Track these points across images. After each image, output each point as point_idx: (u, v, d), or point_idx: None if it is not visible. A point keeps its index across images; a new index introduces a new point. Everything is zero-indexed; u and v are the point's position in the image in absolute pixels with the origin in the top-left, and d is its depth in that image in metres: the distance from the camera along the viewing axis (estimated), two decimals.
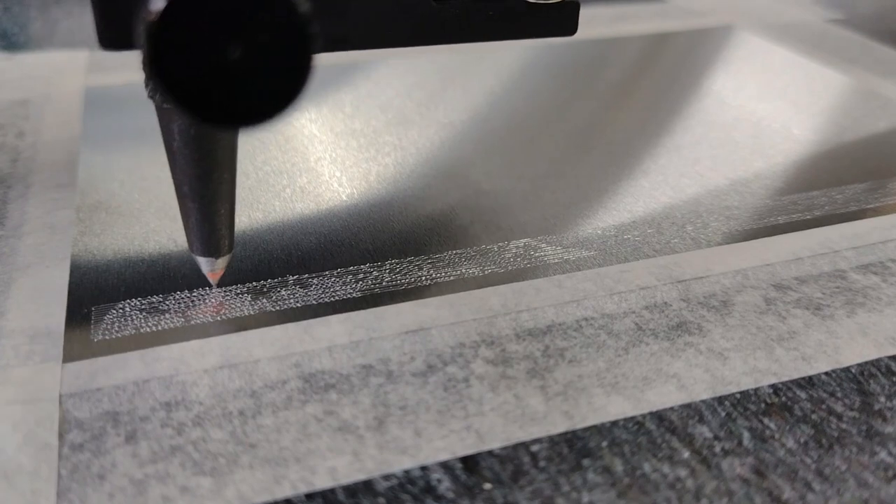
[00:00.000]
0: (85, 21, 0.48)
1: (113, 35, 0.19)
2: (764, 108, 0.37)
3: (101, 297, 0.23)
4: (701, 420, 0.20)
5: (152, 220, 0.27)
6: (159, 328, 0.22)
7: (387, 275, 0.25)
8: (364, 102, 0.37)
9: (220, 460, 0.18)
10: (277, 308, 0.23)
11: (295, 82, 0.16)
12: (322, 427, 0.19)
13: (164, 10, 0.15)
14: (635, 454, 0.19)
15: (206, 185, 0.21)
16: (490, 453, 0.19)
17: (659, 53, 0.45)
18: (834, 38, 0.46)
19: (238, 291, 0.24)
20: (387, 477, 0.18)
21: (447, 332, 0.23)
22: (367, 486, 0.18)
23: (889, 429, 0.20)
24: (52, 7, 0.50)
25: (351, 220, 0.28)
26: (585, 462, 0.19)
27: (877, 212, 0.29)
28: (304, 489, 0.18)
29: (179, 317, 0.23)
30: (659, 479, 0.19)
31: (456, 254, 0.26)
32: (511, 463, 0.19)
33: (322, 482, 0.18)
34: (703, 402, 0.21)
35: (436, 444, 0.19)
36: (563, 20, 0.23)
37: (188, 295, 0.24)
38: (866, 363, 0.22)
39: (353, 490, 0.18)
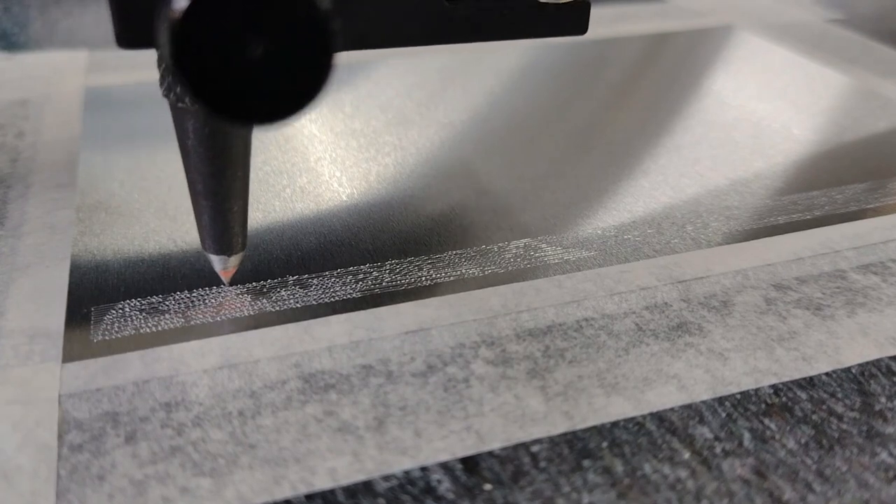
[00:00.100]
0: (85, 21, 0.48)
1: (130, 34, 0.19)
2: (764, 108, 0.37)
3: (101, 297, 0.23)
4: (701, 421, 0.20)
5: (152, 220, 0.27)
6: (159, 328, 0.22)
7: (387, 275, 0.25)
8: (364, 102, 0.37)
9: (219, 461, 0.18)
10: (277, 308, 0.23)
11: (316, 80, 0.16)
12: (322, 427, 0.19)
13: (188, 9, 0.15)
14: (636, 455, 0.19)
15: (219, 183, 0.21)
16: (490, 454, 0.19)
17: (659, 53, 0.45)
18: (834, 38, 0.46)
19: (238, 292, 0.24)
20: (387, 478, 0.18)
21: (447, 332, 0.23)
22: (366, 487, 0.18)
23: (890, 429, 0.20)
24: (52, 7, 0.50)
25: (351, 220, 0.28)
26: (586, 463, 0.19)
27: (877, 212, 0.29)
28: (303, 490, 0.18)
29: (179, 317, 0.23)
30: (659, 479, 0.19)
31: (456, 254, 0.26)
32: (511, 463, 0.19)
33: (322, 483, 0.18)
34: (704, 402, 0.21)
35: (436, 445, 0.19)
36: (573, 20, 0.23)
37: (188, 295, 0.24)
38: (867, 363, 0.22)
39: (352, 491, 0.18)
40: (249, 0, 0.15)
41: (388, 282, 0.24)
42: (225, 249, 0.23)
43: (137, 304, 0.23)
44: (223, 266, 0.23)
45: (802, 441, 0.20)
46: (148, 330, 0.22)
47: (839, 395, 0.21)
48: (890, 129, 0.36)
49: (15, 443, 0.19)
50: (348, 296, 0.24)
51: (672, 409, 0.20)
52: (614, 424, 0.20)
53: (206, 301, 0.23)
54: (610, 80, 0.41)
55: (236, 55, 0.16)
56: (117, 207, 0.28)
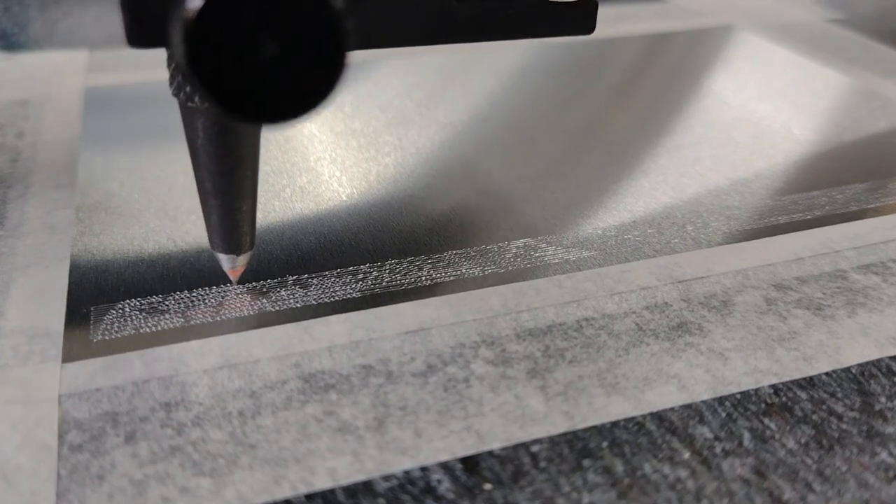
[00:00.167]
0: (85, 21, 0.48)
1: (141, 33, 0.19)
2: (764, 108, 0.37)
3: (101, 297, 0.23)
4: (701, 420, 0.20)
5: (152, 220, 0.27)
6: (159, 328, 0.22)
7: (387, 275, 0.25)
8: (364, 102, 0.37)
9: (219, 461, 0.18)
10: (277, 308, 0.23)
11: (328, 79, 0.16)
12: (322, 427, 0.19)
13: (202, 9, 0.15)
14: (636, 455, 0.19)
15: (228, 182, 0.21)
16: (490, 454, 0.19)
17: (659, 53, 0.45)
18: (834, 38, 0.46)
19: (238, 292, 0.24)
20: (387, 478, 0.18)
21: (447, 332, 0.22)
22: (366, 487, 0.18)
23: (890, 429, 0.20)
24: (52, 7, 0.50)
25: (351, 220, 0.28)
26: (586, 462, 0.19)
27: (877, 212, 0.29)
28: (303, 490, 0.18)
29: (179, 317, 0.23)
30: (659, 479, 0.19)
31: (456, 254, 0.26)
32: (511, 463, 0.19)
33: (322, 483, 0.18)
34: (704, 402, 0.21)
35: (436, 445, 0.19)
36: (580, 19, 0.23)
37: (188, 295, 0.24)
38: (867, 363, 0.22)
39: (352, 491, 0.18)
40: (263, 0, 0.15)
41: (388, 282, 0.24)
42: (233, 248, 0.23)
43: (137, 303, 0.23)
44: (231, 265, 0.23)
45: (802, 441, 0.20)
46: (148, 330, 0.22)
47: (839, 395, 0.21)
48: (890, 129, 0.36)
49: (15, 443, 0.19)
50: (348, 296, 0.24)
51: (672, 409, 0.20)
52: (614, 424, 0.20)
53: (206, 301, 0.23)
54: (610, 80, 0.41)
55: (250, 54, 0.16)
56: (117, 207, 0.28)
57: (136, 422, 0.19)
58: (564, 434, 0.20)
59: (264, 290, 0.24)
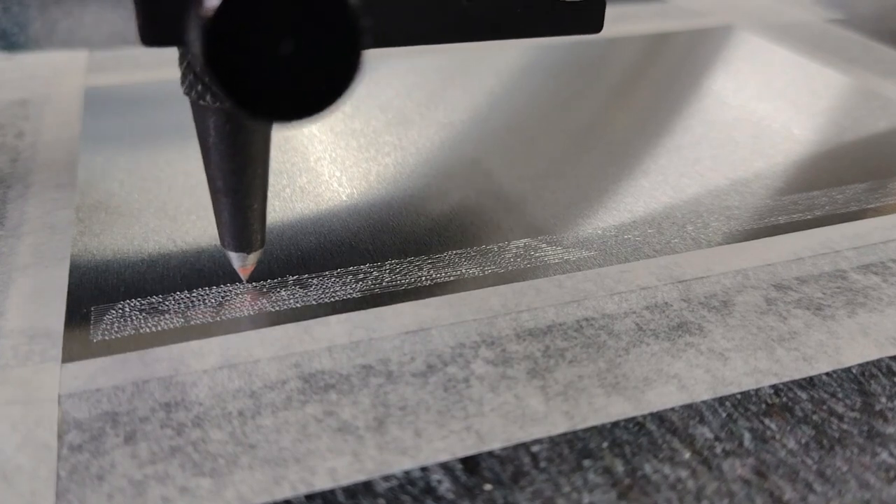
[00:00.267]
0: (85, 21, 0.48)
1: (154, 32, 0.19)
2: (764, 108, 0.37)
3: (101, 297, 0.23)
4: (702, 421, 0.20)
5: (152, 220, 0.27)
6: (159, 328, 0.22)
7: (387, 275, 0.25)
8: (364, 102, 0.37)
9: (219, 461, 0.18)
10: (277, 308, 0.23)
11: (345, 77, 0.17)
12: (322, 427, 0.19)
13: (220, 7, 0.15)
14: (636, 455, 0.19)
15: (239, 181, 0.21)
16: (490, 454, 0.19)
17: (659, 53, 0.45)
18: (834, 38, 0.46)
19: (238, 291, 0.24)
20: (387, 478, 0.18)
21: (447, 332, 0.22)
22: (366, 487, 0.18)
23: (890, 429, 0.20)
24: (52, 7, 0.50)
25: (351, 220, 0.28)
26: (586, 463, 0.19)
27: (877, 212, 0.29)
28: (303, 490, 0.18)
29: (179, 317, 0.23)
30: (660, 479, 0.19)
31: (456, 254, 0.26)
32: (511, 464, 0.19)
33: (322, 483, 0.18)
34: (704, 402, 0.21)
35: (436, 445, 0.19)
36: (588, 18, 0.23)
37: (188, 295, 0.24)
38: (867, 363, 0.22)
39: (352, 491, 0.18)
40: None
41: (388, 282, 0.24)
42: (244, 247, 0.23)
43: (137, 304, 0.23)
44: (242, 263, 0.23)
45: (803, 441, 0.20)
46: (148, 330, 0.22)
47: (840, 396, 0.21)
48: (890, 129, 0.36)
49: (15, 443, 0.19)
50: (348, 296, 0.24)
51: (672, 409, 0.20)
52: (615, 424, 0.20)
53: (206, 301, 0.23)
54: (610, 80, 0.41)
55: (267, 52, 0.16)
56: (117, 207, 0.28)
57: (136, 422, 0.19)
58: (564, 434, 0.20)
59: (264, 289, 0.24)
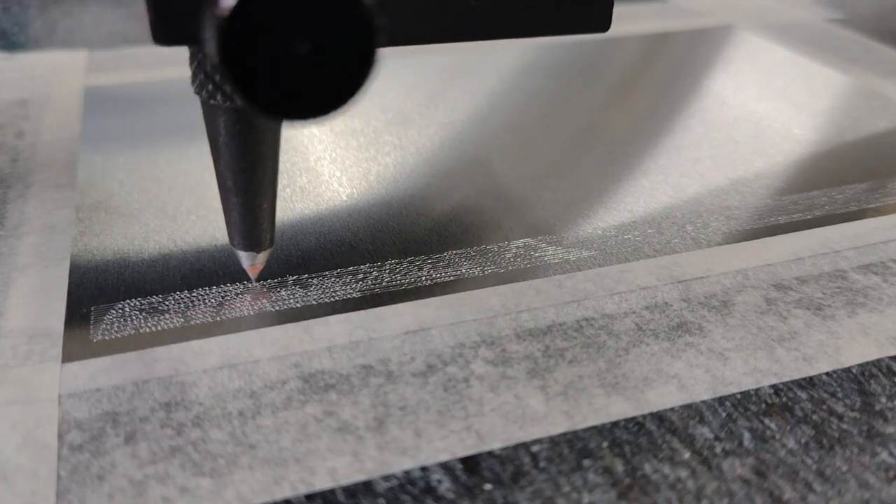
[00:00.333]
0: (85, 21, 0.48)
1: (167, 30, 0.19)
2: (764, 107, 0.37)
3: (101, 297, 0.23)
4: (701, 420, 0.20)
5: (152, 220, 0.27)
6: (159, 328, 0.22)
7: (387, 275, 0.25)
8: (364, 102, 0.37)
9: (219, 461, 0.18)
10: (277, 308, 0.23)
11: (359, 76, 0.17)
12: (322, 427, 0.19)
13: (236, 6, 0.15)
14: (636, 455, 0.19)
15: (250, 180, 0.22)
16: (490, 454, 0.19)
17: (659, 53, 0.45)
18: (834, 38, 0.46)
19: (237, 291, 0.24)
20: (387, 478, 0.18)
21: (447, 332, 0.22)
22: (366, 487, 0.18)
23: (890, 429, 0.20)
24: (52, 7, 0.50)
25: (351, 220, 0.28)
26: (586, 462, 0.19)
27: (877, 212, 0.29)
28: (303, 490, 0.18)
29: (179, 317, 0.23)
30: (660, 479, 0.19)
31: (456, 254, 0.26)
32: (511, 463, 0.19)
33: (322, 483, 0.18)
34: (704, 402, 0.21)
35: (436, 445, 0.19)
36: (596, 17, 0.23)
37: (188, 295, 0.24)
38: (867, 363, 0.22)
39: (352, 491, 0.18)
40: None
41: (388, 282, 0.24)
42: (253, 246, 0.23)
43: (137, 303, 0.23)
44: (251, 262, 0.23)
45: (803, 441, 0.20)
46: (148, 330, 0.22)
47: (839, 395, 0.21)
48: (890, 129, 0.36)
49: (15, 443, 0.19)
50: (348, 296, 0.24)
51: (672, 409, 0.20)
52: (614, 424, 0.20)
53: (206, 301, 0.23)
54: (610, 80, 0.41)
55: (282, 51, 0.16)
56: (117, 207, 0.28)
57: (136, 422, 0.19)
58: (564, 434, 0.20)
59: (264, 290, 0.24)
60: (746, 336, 0.23)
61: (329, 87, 0.17)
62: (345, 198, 0.29)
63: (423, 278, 0.25)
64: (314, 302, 0.23)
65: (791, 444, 0.20)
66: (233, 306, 0.23)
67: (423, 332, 0.22)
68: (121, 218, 0.27)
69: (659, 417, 0.20)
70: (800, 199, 0.30)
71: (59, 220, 0.27)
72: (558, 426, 0.20)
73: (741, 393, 0.21)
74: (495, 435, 0.19)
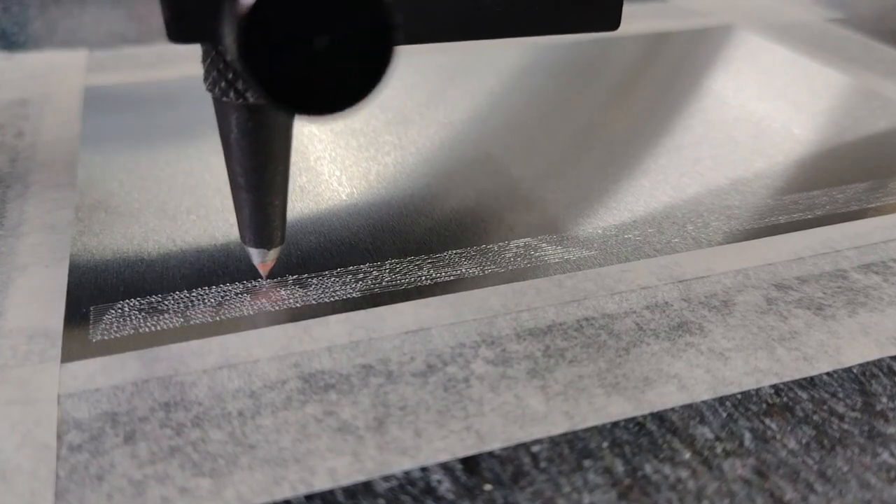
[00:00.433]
0: (84, 21, 0.48)
1: (181, 28, 0.19)
2: (764, 107, 0.37)
3: (100, 296, 0.23)
4: (702, 421, 0.20)
5: (151, 220, 0.27)
6: (158, 328, 0.22)
7: (387, 275, 0.25)
8: None
9: (219, 461, 0.18)
10: (275, 308, 0.23)
11: (377, 72, 0.17)
12: (321, 427, 0.19)
13: (256, 3, 0.15)
14: (636, 455, 0.19)
15: (261, 177, 0.22)
16: (490, 454, 0.19)
17: (659, 53, 0.45)
18: (834, 38, 0.46)
19: (237, 291, 0.24)
20: (387, 478, 0.18)
21: (447, 332, 0.22)
22: (366, 488, 0.18)
23: (891, 429, 0.20)
24: (52, 7, 0.50)
25: (351, 220, 0.28)
26: (586, 463, 0.19)
27: (878, 211, 0.29)
28: (303, 490, 0.18)
29: (178, 317, 0.23)
30: (660, 480, 0.19)
31: (456, 254, 0.26)
32: (511, 464, 0.19)
33: (321, 483, 0.18)
34: (705, 402, 0.21)
35: (436, 445, 0.19)
36: (605, 15, 0.23)
37: (187, 295, 0.23)
38: (868, 363, 0.22)
39: (352, 491, 0.18)
40: None
41: (387, 281, 0.24)
42: (265, 243, 0.23)
43: (136, 303, 0.23)
44: (262, 259, 0.23)
45: (804, 441, 0.20)
46: (147, 329, 0.22)
47: (840, 395, 0.21)
48: (890, 129, 0.36)
49: (14, 443, 0.19)
50: (348, 295, 0.24)
51: (673, 409, 0.20)
52: (615, 424, 0.20)
53: (206, 301, 0.23)
54: (610, 80, 0.41)
55: (301, 47, 0.16)
56: (116, 207, 0.28)
57: (136, 422, 0.19)
58: (565, 434, 0.20)
59: (264, 289, 0.24)
60: (747, 336, 0.23)
61: (347, 83, 0.17)
62: (345, 197, 0.29)
63: (423, 278, 0.25)
64: (314, 302, 0.23)
65: (792, 444, 0.20)
66: (245, 303, 0.23)
67: (423, 331, 0.22)
68: (120, 218, 0.27)
69: (659, 417, 0.20)
70: (800, 199, 0.30)
71: (59, 220, 0.27)
72: (558, 426, 0.20)
73: (742, 393, 0.21)
74: (495, 435, 0.19)
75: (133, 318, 0.23)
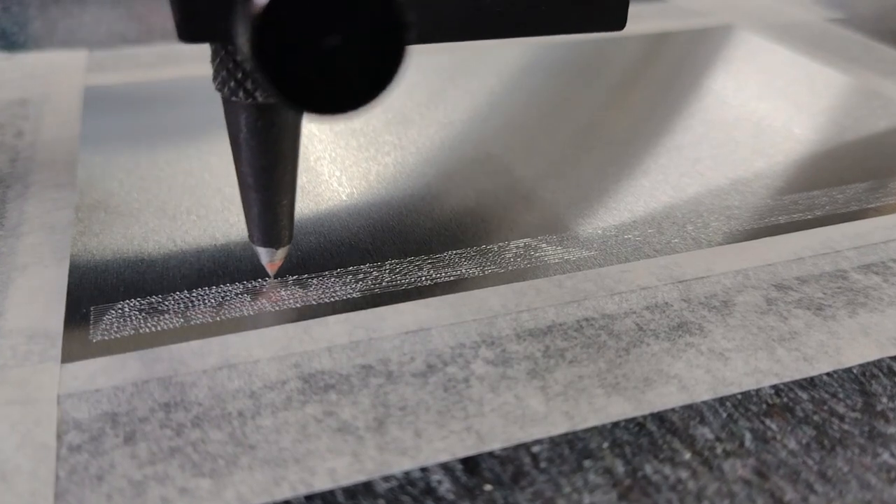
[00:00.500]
0: (84, 21, 0.48)
1: (192, 28, 0.19)
2: (765, 107, 0.37)
3: (100, 297, 0.23)
4: (702, 421, 0.20)
5: (151, 220, 0.27)
6: (158, 328, 0.22)
7: (387, 275, 0.25)
8: None
9: (219, 461, 0.18)
10: (277, 308, 0.23)
11: (389, 71, 0.17)
12: (321, 428, 0.19)
13: (270, 3, 0.15)
14: (636, 455, 0.19)
15: (270, 177, 0.22)
16: (490, 454, 0.19)
17: (659, 53, 0.45)
18: (834, 38, 0.46)
19: (237, 291, 0.24)
20: (387, 478, 0.18)
21: (447, 332, 0.22)
22: (366, 488, 0.18)
23: (891, 430, 0.20)
24: (52, 7, 0.50)
25: (351, 220, 0.28)
26: (586, 463, 0.19)
27: (878, 211, 0.29)
28: (303, 490, 0.18)
29: (178, 317, 0.23)
30: (660, 480, 0.19)
31: (456, 254, 0.26)
32: (511, 464, 0.19)
33: (321, 483, 0.18)
34: (705, 402, 0.21)
35: (436, 445, 0.19)
36: (611, 15, 0.23)
37: (187, 295, 0.23)
38: (868, 364, 0.22)
39: (352, 491, 0.18)
40: None
41: (387, 282, 0.24)
42: (273, 242, 0.23)
43: (137, 303, 0.23)
44: (270, 258, 0.23)
45: (804, 441, 0.20)
46: (147, 330, 0.22)
47: (840, 396, 0.21)
48: (891, 129, 0.36)
49: (14, 443, 0.19)
50: (348, 296, 0.24)
51: (673, 410, 0.20)
52: (615, 425, 0.20)
53: (206, 301, 0.23)
54: (610, 80, 0.41)
55: (314, 47, 0.16)
56: (116, 207, 0.28)
57: (136, 422, 0.19)
58: (565, 434, 0.20)
59: (264, 289, 0.24)
60: (747, 336, 0.23)
61: (359, 82, 0.17)
62: (345, 197, 0.29)
63: (423, 278, 0.25)
64: (314, 302, 0.23)
65: (792, 444, 0.20)
66: (245, 303, 0.23)
67: (423, 332, 0.22)
68: (120, 218, 0.27)
69: (659, 418, 0.20)
70: (800, 199, 0.30)
71: (59, 220, 0.27)
72: (558, 427, 0.20)
73: (742, 393, 0.21)
74: (495, 435, 0.19)
75: (133, 318, 0.23)
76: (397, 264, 0.25)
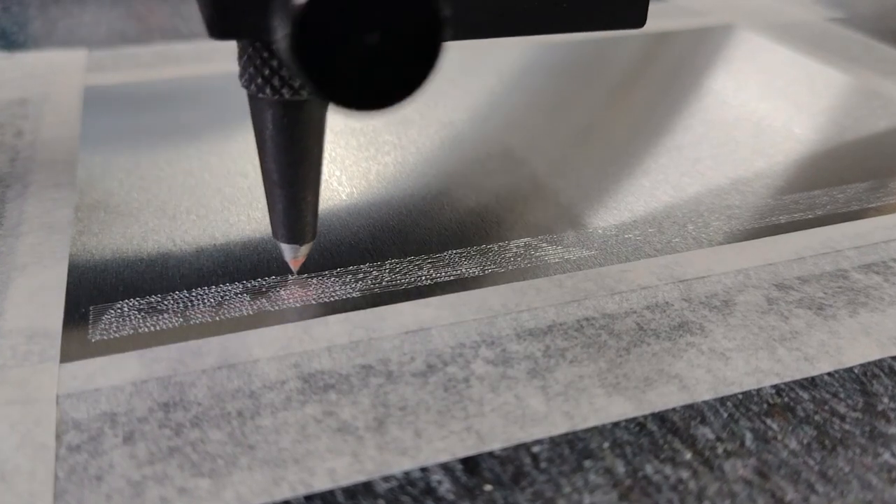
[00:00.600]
0: (84, 20, 0.48)
1: (223, 25, 0.19)
2: (765, 107, 0.37)
3: (100, 296, 0.23)
4: (703, 421, 0.20)
5: (151, 220, 0.27)
6: (157, 328, 0.22)
7: (387, 275, 0.25)
8: None
9: (218, 461, 0.18)
10: (276, 308, 0.23)
11: (425, 67, 0.17)
12: (321, 428, 0.19)
13: (311, 0, 0.16)
14: (637, 455, 0.19)
15: (295, 173, 0.22)
16: (491, 454, 0.19)
17: (659, 53, 0.45)
18: (835, 38, 0.46)
19: (237, 291, 0.24)
20: (386, 478, 0.18)
21: (447, 332, 0.22)
22: (366, 488, 0.18)
23: (893, 430, 0.20)
24: (51, 6, 0.50)
25: (351, 220, 0.28)
26: (587, 463, 0.19)
27: (879, 211, 0.29)
28: (302, 491, 0.18)
29: (178, 317, 0.23)
30: (661, 480, 0.18)
31: (456, 254, 0.26)
32: (512, 464, 0.19)
33: (321, 484, 0.18)
34: (705, 402, 0.21)
35: (436, 445, 0.19)
36: (631, 13, 0.23)
37: (187, 295, 0.23)
38: (869, 363, 0.22)
39: (352, 492, 0.18)
40: None
41: (387, 281, 0.24)
42: (297, 238, 0.23)
43: (136, 303, 0.23)
44: (293, 255, 0.24)
45: (805, 441, 0.20)
46: (146, 329, 0.22)
47: (841, 396, 0.21)
48: (891, 129, 0.35)
49: (13, 443, 0.19)
50: (348, 295, 0.24)
51: (674, 410, 0.20)
52: (615, 425, 0.20)
53: (206, 300, 0.23)
54: (610, 80, 0.41)
55: (353, 43, 0.16)
56: (116, 207, 0.28)
57: (135, 422, 0.19)
58: (565, 434, 0.19)
59: (263, 289, 0.24)
60: (748, 336, 0.23)
61: (396, 78, 0.17)
62: (345, 197, 0.29)
63: (423, 278, 0.25)
64: (314, 302, 0.23)
65: (793, 444, 0.20)
66: (245, 304, 0.23)
67: (423, 331, 0.22)
68: (120, 218, 0.27)
69: (660, 418, 0.20)
70: (801, 199, 0.29)
71: (58, 220, 0.27)
72: (559, 426, 0.20)
73: (743, 393, 0.21)
74: (495, 435, 0.19)
75: (132, 318, 0.22)
76: (397, 264, 0.25)
